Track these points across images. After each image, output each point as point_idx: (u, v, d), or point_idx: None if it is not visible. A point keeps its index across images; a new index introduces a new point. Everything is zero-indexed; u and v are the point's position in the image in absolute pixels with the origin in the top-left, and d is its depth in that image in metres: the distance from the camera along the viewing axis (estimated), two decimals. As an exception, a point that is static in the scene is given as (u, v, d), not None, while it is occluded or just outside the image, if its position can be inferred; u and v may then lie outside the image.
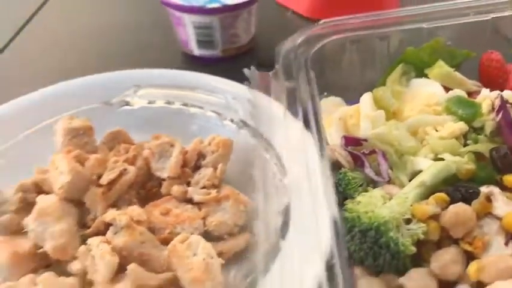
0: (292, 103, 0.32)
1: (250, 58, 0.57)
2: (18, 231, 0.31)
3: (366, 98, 0.35)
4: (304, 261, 0.24)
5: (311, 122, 0.30)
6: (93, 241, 0.29)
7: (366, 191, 0.28)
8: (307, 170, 0.28)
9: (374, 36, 0.38)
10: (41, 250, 0.30)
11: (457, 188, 0.26)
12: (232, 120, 0.38)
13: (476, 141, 0.30)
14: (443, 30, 0.38)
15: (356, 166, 0.31)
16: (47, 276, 0.27)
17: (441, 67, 0.36)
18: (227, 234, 0.32)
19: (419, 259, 0.25)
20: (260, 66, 0.37)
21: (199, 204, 0.33)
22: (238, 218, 0.33)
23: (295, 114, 0.32)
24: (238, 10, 0.52)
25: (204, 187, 0.34)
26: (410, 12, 0.39)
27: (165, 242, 0.31)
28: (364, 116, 0.33)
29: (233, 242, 0.32)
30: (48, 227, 0.30)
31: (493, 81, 0.35)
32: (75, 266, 0.29)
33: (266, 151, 0.35)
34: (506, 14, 0.37)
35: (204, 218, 0.32)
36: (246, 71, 0.35)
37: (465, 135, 0.31)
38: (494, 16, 0.37)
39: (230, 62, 0.54)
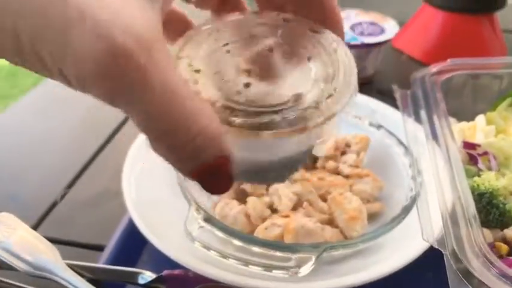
0: (425, 114, 0.45)
1: (371, 87, 0.70)
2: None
3: (481, 118, 0.46)
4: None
5: (442, 126, 0.42)
6: (280, 186, 0.42)
7: (479, 177, 0.39)
8: (434, 160, 0.40)
9: (490, 75, 0.50)
10: (241, 186, 0.44)
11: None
12: (370, 123, 0.51)
13: None
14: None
15: (471, 162, 0.42)
16: (253, 198, 0.41)
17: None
18: (365, 200, 0.45)
19: (519, 222, 0.36)
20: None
21: (346, 177, 0.46)
22: (374, 190, 0.45)
23: (427, 122, 0.44)
24: (371, 48, 0.66)
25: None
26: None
27: (321, 198, 0.44)
28: (479, 129, 0.44)
29: (369, 206, 0.44)
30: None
31: None
32: (264, 200, 0.43)
33: (398, 147, 0.47)
34: None
35: (350, 186, 0.45)
36: (394, 87, 0.48)
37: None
38: None
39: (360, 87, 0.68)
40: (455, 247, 0.29)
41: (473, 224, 0.31)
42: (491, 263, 0.28)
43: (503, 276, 0.28)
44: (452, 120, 0.50)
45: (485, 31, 0.73)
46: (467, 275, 0.28)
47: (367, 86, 0.69)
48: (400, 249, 0.38)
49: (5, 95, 1.84)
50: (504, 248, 0.34)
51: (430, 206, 0.36)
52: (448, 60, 0.49)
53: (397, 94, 0.47)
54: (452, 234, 0.30)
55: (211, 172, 0.21)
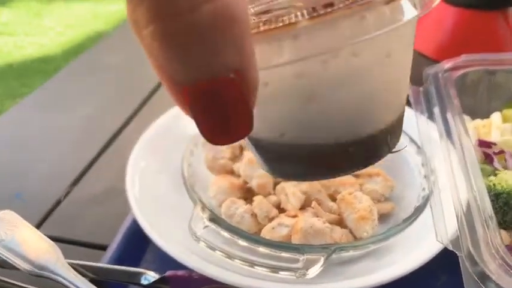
0: (439, 111, 0.43)
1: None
2: (231, 172, 0.44)
3: (497, 115, 0.45)
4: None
5: (456, 124, 0.40)
6: (287, 184, 0.41)
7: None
8: (448, 159, 0.38)
9: (505, 71, 0.48)
10: (248, 185, 0.43)
11: None
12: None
13: None
14: None
15: (486, 161, 0.40)
16: (259, 197, 0.40)
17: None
18: (376, 200, 0.43)
19: (537, 223, 0.34)
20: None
21: (356, 176, 0.44)
22: (385, 190, 0.43)
23: (440, 120, 0.42)
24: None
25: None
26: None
27: (330, 197, 0.42)
28: (495, 127, 0.43)
29: (380, 206, 0.43)
30: (255, 171, 0.43)
31: None
32: (271, 199, 0.41)
33: (410, 145, 0.45)
34: None
35: (360, 185, 0.44)
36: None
37: None
38: None
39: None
40: (471, 249, 0.27)
41: (490, 225, 0.29)
42: (509, 265, 0.27)
43: (523, 280, 0.26)
44: (466, 118, 0.48)
45: (500, 27, 0.71)
46: (484, 278, 0.26)
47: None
48: (413, 251, 0.36)
49: (15, 94, 1.85)
50: (522, 250, 0.32)
51: (444, 206, 0.34)
52: (462, 55, 0.47)
53: (409, 90, 0.45)
54: (468, 236, 0.28)
55: (220, 95, 0.13)
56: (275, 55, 0.16)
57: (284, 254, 0.34)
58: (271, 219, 0.39)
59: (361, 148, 0.20)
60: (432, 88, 0.44)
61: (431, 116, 0.43)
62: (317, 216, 0.39)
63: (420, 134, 0.43)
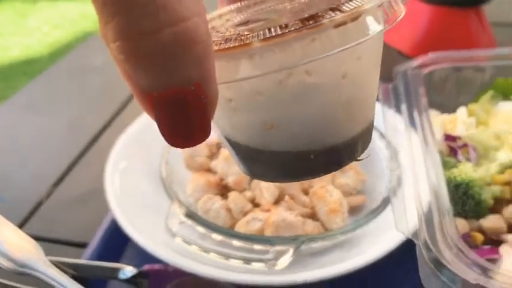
0: (405, 108, 0.45)
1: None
2: (208, 169, 0.46)
3: (463, 110, 0.46)
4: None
5: (421, 120, 0.42)
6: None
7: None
8: (412, 153, 0.40)
9: (471, 68, 0.50)
10: (224, 182, 0.44)
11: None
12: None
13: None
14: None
15: (451, 154, 0.42)
16: (234, 193, 0.42)
17: (523, 94, 0.47)
18: (347, 194, 0.45)
19: (494, 211, 0.36)
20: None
21: (329, 171, 0.46)
22: (357, 183, 0.45)
23: (407, 116, 0.44)
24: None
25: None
26: (501, 52, 0.51)
27: (304, 191, 0.44)
28: (460, 122, 0.45)
29: (351, 199, 0.44)
30: (231, 168, 0.44)
31: None
32: (247, 194, 0.43)
33: (380, 140, 0.47)
34: None
35: (332, 179, 0.45)
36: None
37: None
38: None
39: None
40: (427, 237, 0.29)
41: (446, 215, 0.31)
42: (462, 252, 0.28)
43: (475, 265, 0.28)
44: (436, 113, 0.50)
45: (473, 24, 0.73)
46: (439, 265, 0.28)
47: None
48: (379, 241, 0.38)
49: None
50: (479, 237, 0.34)
51: (406, 198, 0.36)
52: (430, 53, 0.49)
53: (379, 88, 0.47)
54: (425, 225, 0.30)
55: (180, 103, 0.15)
56: (233, 72, 0.18)
57: (256, 247, 0.36)
58: (245, 214, 0.40)
59: (323, 157, 0.21)
60: (401, 85, 0.46)
61: (399, 112, 0.45)
62: (290, 210, 0.41)
63: (386, 128, 0.45)
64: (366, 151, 0.24)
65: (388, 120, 0.45)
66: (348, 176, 0.45)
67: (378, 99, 0.48)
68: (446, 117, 0.46)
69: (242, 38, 0.17)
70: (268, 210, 0.40)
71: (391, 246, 0.36)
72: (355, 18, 0.18)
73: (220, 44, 0.18)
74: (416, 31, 0.74)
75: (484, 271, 0.27)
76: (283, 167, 0.22)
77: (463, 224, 0.35)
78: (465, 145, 0.42)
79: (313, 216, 0.42)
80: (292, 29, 0.17)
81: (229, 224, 0.40)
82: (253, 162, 0.23)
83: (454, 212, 0.35)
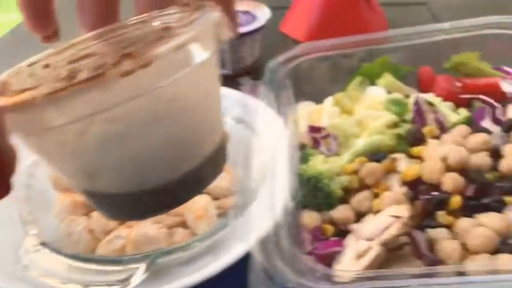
0: (274, 103, 0.45)
1: (254, 75, 0.70)
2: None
3: (329, 100, 0.47)
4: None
5: (286, 114, 0.42)
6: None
7: (318, 160, 0.40)
8: (277, 146, 0.40)
9: (339, 55, 0.50)
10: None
11: (373, 155, 0.38)
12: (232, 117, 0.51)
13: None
14: (393, 51, 0.51)
15: (315, 146, 0.43)
16: (97, 213, 0.40)
17: (386, 78, 0.48)
18: (221, 196, 0.44)
19: (345, 202, 0.36)
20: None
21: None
22: (231, 185, 0.45)
23: (276, 110, 0.44)
24: (244, 38, 0.65)
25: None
26: (370, 37, 0.52)
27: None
28: (325, 112, 0.45)
29: (224, 201, 0.44)
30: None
31: (425, 88, 0.47)
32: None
33: (253, 137, 0.47)
34: (440, 38, 0.49)
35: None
36: (241, 80, 0.48)
37: (397, 124, 0.43)
38: (431, 40, 0.49)
39: (238, 78, 0.68)
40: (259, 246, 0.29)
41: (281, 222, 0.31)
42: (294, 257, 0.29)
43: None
44: (309, 104, 0.51)
45: (362, 8, 0.75)
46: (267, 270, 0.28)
47: (249, 75, 0.69)
48: (244, 240, 0.38)
49: None
50: (330, 229, 0.35)
51: (262, 198, 0.36)
52: (300, 45, 0.49)
53: (247, 86, 0.47)
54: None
55: None
56: (40, 121, 0.18)
57: (112, 268, 0.35)
58: (108, 232, 0.39)
59: (156, 197, 0.21)
60: (270, 80, 0.46)
61: (268, 106, 0.45)
62: (158, 223, 0.40)
63: (257, 126, 0.44)
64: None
65: (257, 116, 0.45)
66: (220, 177, 0.45)
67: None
68: (312, 108, 0.47)
69: (29, 91, 0.17)
70: (131, 226, 0.39)
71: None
72: (145, 65, 0.17)
73: (19, 93, 0.17)
74: (310, 19, 0.74)
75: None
76: (136, 207, 0.22)
77: (315, 217, 0.36)
78: (328, 135, 0.42)
79: (184, 224, 0.41)
80: (75, 81, 0.17)
81: (92, 246, 0.39)
82: (100, 204, 0.23)
83: (308, 206, 0.35)
